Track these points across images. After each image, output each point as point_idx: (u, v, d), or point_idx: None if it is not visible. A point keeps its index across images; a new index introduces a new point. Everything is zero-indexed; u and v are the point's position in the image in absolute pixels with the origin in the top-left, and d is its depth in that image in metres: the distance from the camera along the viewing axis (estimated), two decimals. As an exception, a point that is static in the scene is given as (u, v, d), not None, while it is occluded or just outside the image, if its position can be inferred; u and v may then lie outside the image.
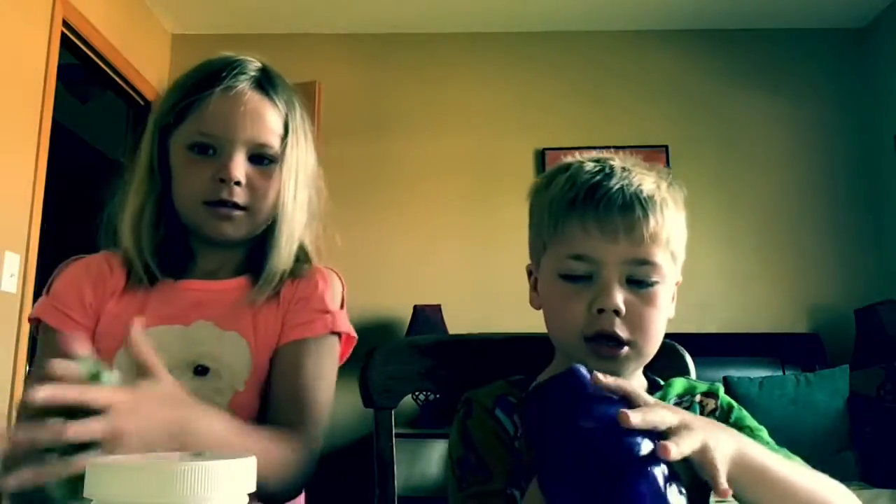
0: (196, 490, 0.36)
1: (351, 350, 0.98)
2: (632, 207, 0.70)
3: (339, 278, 1.00)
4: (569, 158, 0.80)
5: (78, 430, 0.59)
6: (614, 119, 3.60)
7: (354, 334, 0.97)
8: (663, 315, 0.73)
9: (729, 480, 0.56)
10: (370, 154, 3.61)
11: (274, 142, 0.91)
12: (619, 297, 0.69)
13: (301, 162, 0.95)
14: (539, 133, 3.59)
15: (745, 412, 0.76)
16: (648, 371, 0.79)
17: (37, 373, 0.87)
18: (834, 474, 0.65)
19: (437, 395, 3.01)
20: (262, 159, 0.91)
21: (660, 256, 0.71)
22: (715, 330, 3.34)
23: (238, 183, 0.89)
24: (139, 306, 0.91)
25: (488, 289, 3.36)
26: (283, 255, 0.94)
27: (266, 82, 0.93)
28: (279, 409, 0.89)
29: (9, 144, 2.42)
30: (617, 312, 0.69)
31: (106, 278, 0.94)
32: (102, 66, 3.04)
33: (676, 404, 0.74)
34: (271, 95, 0.93)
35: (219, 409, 0.79)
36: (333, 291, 0.97)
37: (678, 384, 0.78)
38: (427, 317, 3.18)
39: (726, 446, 0.58)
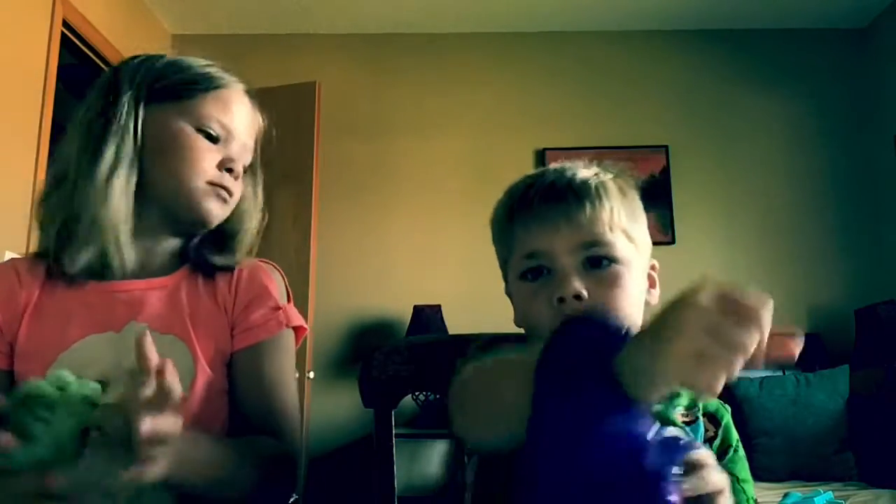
0: None
1: (301, 340, 0.97)
2: (565, 195, 0.72)
3: (279, 271, 0.99)
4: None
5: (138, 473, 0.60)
6: (614, 119, 3.60)
7: (305, 325, 0.96)
8: (632, 298, 0.71)
9: None
10: (370, 154, 3.61)
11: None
12: (578, 283, 0.68)
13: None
14: (539, 133, 3.59)
15: (740, 455, 0.74)
16: None
17: None
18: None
19: (437, 396, 3.01)
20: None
21: (610, 236, 0.71)
22: (715, 330, 3.34)
23: (237, 177, 0.94)
24: (62, 317, 0.85)
25: (488, 289, 3.34)
26: (246, 247, 0.98)
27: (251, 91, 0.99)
28: (251, 416, 0.88)
29: (9, 144, 2.42)
30: (578, 297, 0.68)
31: (15, 292, 0.86)
32: (102, 66, 3.04)
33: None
34: (254, 104, 0.99)
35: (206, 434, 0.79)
36: (279, 285, 0.96)
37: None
38: (427, 317, 3.18)
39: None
